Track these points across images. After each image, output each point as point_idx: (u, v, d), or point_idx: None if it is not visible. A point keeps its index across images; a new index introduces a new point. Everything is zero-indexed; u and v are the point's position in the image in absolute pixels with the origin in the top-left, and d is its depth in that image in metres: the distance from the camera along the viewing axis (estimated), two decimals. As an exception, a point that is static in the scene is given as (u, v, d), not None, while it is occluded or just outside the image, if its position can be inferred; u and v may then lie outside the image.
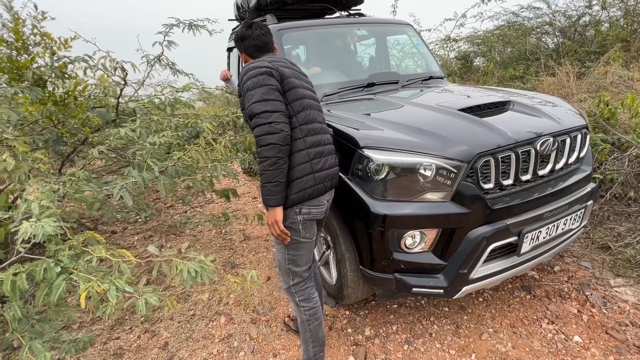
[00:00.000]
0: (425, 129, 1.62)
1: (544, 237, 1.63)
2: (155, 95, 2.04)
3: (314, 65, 2.94)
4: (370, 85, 2.54)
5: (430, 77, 2.84)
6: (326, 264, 2.08)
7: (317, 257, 1.99)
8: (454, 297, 1.58)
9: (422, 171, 1.48)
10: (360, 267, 1.69)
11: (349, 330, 1.93)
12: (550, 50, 7.55)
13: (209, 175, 1.61)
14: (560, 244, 1.78)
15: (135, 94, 2.04)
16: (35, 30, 1.36)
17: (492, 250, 1.52)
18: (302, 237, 1.41)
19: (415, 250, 1.57)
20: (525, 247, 1.57)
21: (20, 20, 1.30)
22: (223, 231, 3.16)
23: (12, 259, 1.10)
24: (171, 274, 1.17)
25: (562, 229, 1.69)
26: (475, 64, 8.83)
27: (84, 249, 1.24)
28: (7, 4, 1.31)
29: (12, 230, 1.05)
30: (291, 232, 1.39)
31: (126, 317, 2.12)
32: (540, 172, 1.64)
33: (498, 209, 1.50)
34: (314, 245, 1.61)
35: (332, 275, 2.00)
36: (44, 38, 1.37)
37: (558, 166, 1.70)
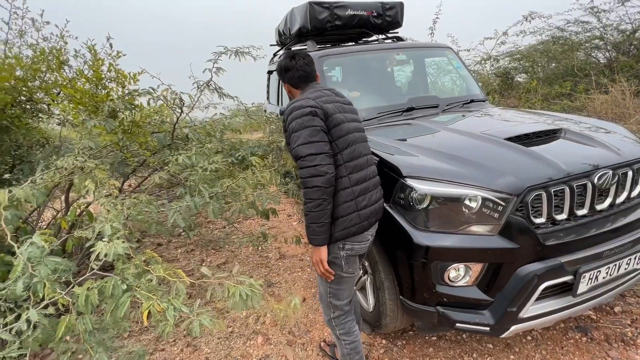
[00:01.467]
0: (471, 159, 1.59)
1: (603, 277, 1.50)
2: (206, 121, 2.19)
3: (352, 89, 3.02)
4: (410, 109, 2.54)
5: (472, 100, 2.79)
6: (362, 289, 2.06)
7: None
8: (501, 337, 1.50)
9: (467, 202, 1.45)
10: (400, 297, 1.67)
11: (386, 360, 1.88)
12: (601, 65, 7.08)
13: (254, 200, 1.69)
14: (623, 284, 1.63)
15: (187, 118, 2.21)
16: (112, 68, 1.55)
17: (544, 289, 1.43)
18: (344, 272, 1.43)
19: (460, 283, 1.52)
20: (582, 287, 1.46)
21: (100, 60, 1.50)
22: (260, 248, 3.25)
23: (87, 275, 1.22)
24: (223, 297, 1.23)
25: (625, 269, 1.56)
26: (516, 80, 8.49)
27: (145, 267, 1.34)
28: (91, 46, 1.52)
29: (89, 248, 1.17)
30: (334, 267, 1.42)
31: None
32: (599, 207, 1.54)
33: (551, 245, 1.42)
34: (356, 280, 1.62)
35: (369, 302, 1.98)
36: (119, 74, 1.56)
37: (619, 200, 1.58)
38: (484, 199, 1.43)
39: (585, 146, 1.70)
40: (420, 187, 1.52)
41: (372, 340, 2.03)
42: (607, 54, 7.38)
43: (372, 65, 2.87)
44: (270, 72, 4.66)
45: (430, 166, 1.60)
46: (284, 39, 4.07)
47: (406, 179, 1.57)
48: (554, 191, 1.44)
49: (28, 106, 1.88)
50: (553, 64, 8.05)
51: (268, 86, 4.76)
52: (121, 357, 1.38)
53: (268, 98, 4.69)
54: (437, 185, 1.50)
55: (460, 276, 1.51)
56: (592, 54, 7.68)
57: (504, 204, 1.42)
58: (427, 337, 2.02)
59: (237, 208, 1.63)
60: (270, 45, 4.61)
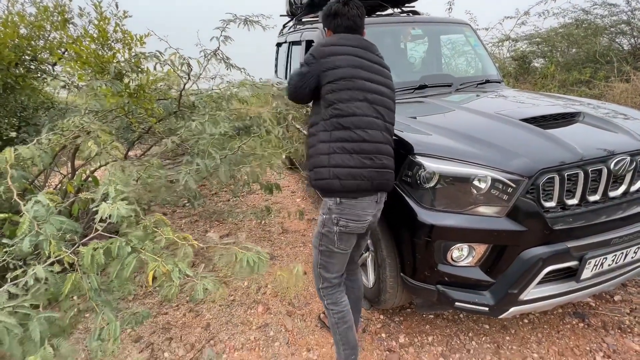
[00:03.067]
0: (482, 138, 1.54)
1: (609, 265, 1.49)
2: (212, 89, 2.14)
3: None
4: (422, 87, 2.46)
5: (487, 81, 2.69)
6: (363, 265, 2.08)
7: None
8: (499, 317, 1.51)
9: (476, 183, 1.42)
10: (401, 274, 1.67)
11: (383, 335, 1.92)
12: (624, 53, 6.77)
13: (265, 163, 1.68)
14: (627, 273, 1.62)
15: (195, 87, 2.16)
16: (117, 28, 1.50)
17: (547, 273, 1.42)
18: (335, 247, 1.42)
19: (462, 263, 1.51)
20: (586, 273, 1.45)
21: (106, 19, 1.45)
22: (263, 222, 3.27)
23: (91, 235, 1.23)
24: (229, 263, 1.24)
25: (632, 257, 1.54)
26: (533, 65, 8.17)
27: (155, 229, 1.35)
28: (97, 3, 1.46)
29: (93, 209, 1.17)
30: (326, 240, 1.41)
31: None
32: (612, 194, 1.50)
33: (559, 229, 1.39)
34: (359, 252, 1.62)
35: (369, 278, 2.00)
36: (125, 35, 1.51)
37: (633, 188, 1.54)
38: (494, 180, 1.40)
39: (604, 131, 1.64)
40: (430, 164, 1.48)
41: (370, 315, 2.06)
42: (633, 40, 7.03)
43: (386, 39, 2.76)
44: (279, 45, 4.52)
45: (441, 144, 1.55)
46: (295, 8, 3.91)
47: (416, 156, 1.53)
48: (567, 175, 1.40)
49: (32, 66, 1.85)
50: (573, 49, 7.71)
51: (276, 59, 4.63)
52: (126, 317, 1.42)
53: (276, 72, 4.58)
54: (447, 164, 1.47)
55: (463, 256, 1.51)
56: (616, 40, 7.32)
57: (514, 185, 1.38)
58: (424, 315, 2.06)
59: (247, 171, 1.62)
60: (280, 15, 4.45)
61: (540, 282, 1.45)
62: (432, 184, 1.49)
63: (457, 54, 3.27)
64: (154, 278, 1.18)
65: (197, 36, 2.80)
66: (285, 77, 3.98)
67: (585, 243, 1.41)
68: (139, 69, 1.55)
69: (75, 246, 1.16)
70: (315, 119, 1.39)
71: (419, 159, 1.51)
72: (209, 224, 3.26)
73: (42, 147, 1.43)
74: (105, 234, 1.21)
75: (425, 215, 1.49)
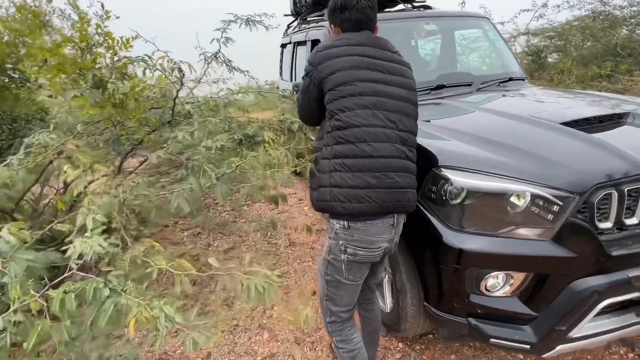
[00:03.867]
0: (519, 147, 1.33)
1: (675, 295, 1.25)
2: (210, 96, 1.97)
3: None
4: (439, 87, 2.24)
5: (510, 79, 2.45)
6: (379, 285, 1.87)
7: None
8: (544, 356, 1.29)
9: (513, 200, 1.20)
10: (425, 303, 1.46)
11: (403, 367, 1.72)
12: (647, 44, 6.40)
13: (264, 183, 1.49)
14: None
15: (191, 94, 1.98)
16: (99, 30, 1.34)
17: (603, 307, 1.20)
18: (344, 277, 1.22)
19: (497, 293, 1.29)
20: (650, 306, 1.22)
21: (85, 20, 1.28)
22: (269, 234, 3.09)
23: (65, 275, 1.06)
24: (233, 291, 1.06)
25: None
26: (549, 60, 7.84)
27: (145, 259, 1.17)
28: (74, 3, 1.30)
29: (66, 248, 1.00)
30: (332, 269, 1.22)
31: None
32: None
33: (618, 255, 1.17)
34: (376, 279, 1.42)
35: (386, 302, 1.79)
36: (107, 38, 1.35)
37: None
38: (534, 196, 1.18)
39: (661, 135, 1.40)
40: (458, 179, 1.27)
41: (388, 343, 1.85)
42: (655, 31, 6.66)
43: (397, 36, 2.54)
44: (283, 46, 4.34)
45: (470, 154, 1.34)
46: (299, 7, 3.73)
47: (441, 169, 1.32)
48: (627, 190, 1.17)
49: (16, 75, 1.71)
50: (589, 43, 7.35)
51: (281, 61, 4.45)
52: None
53: (281, 74, 4.40)
54: (478, 178, 1.25)
55: (499, 285, 1.29)
56: (637, 31, 6.96)
57: (561, 203, 1.16)
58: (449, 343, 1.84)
59: (247, 191, 1.44)
60: (285, 15, 4.27)
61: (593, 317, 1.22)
62: (459, 201, 1.27)
63: (476, 50, 3.03)
64: (139, 322, 1.00)
65: (197, 38, 2.64)
66: (291, 80, 3.80)
67: (650, 271, 1.18)
68: (125, 76, 1.38)
69: (45, 289, 0.99)
70: (321, 133, 1.21)
71: (445, 172, 1.30)
72: (212, 236, 3.09)
73: (17, 167, 1.27)
74: (80, 273, 1.03)
75: (453, 238, 1.27)
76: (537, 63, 7.89)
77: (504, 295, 1.29)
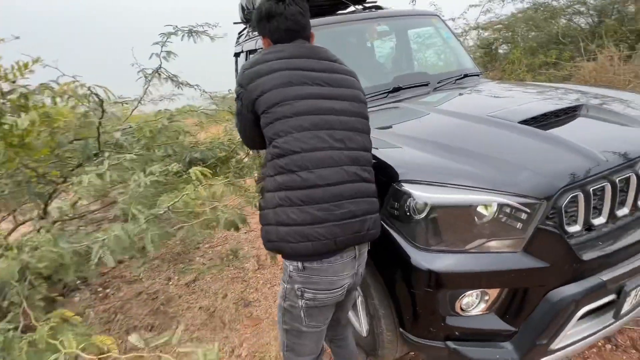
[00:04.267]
0: (480, 152, 1.24)
1: (649, 289, 1.21)
2: (144, 122, 1.74)
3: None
4: (396, 90, 2.16)
5: (465, 75, 2.42)
6: (354, 306, 1.73)
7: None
8: (528, 372, 1.20)
9: (480, 211, 1.11)
10: (400, 329, 1.34)
11: (386, 395, 1.58)
12: (585, 32, 6.84)
13: (214, 218, 1.30)
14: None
15: (119, 122, 1.75)
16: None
17: (582, 315, 1.13)
18: (304, 325, 1.07)
19: (473, 312, 1.20)
20: (626, 306, 1.17)
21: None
22: (236, 257, 2.87)
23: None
24: None
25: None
26: (500, 51, 8.21)
27: (51, 341, 0.94)
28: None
29: None
30: (290, 317, 1.07)
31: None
32: (641, 203, 1.23)
33: (590, 260, 1.10)
34: (345, 312, 1.27)
35: (362, 324, 1.66)
36: (-6, 66, 1.10)
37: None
38: (501, 206, 1.09)
39: (616, 125, 1.37)
40: (420, 194, 1.16)
41: (368, 368, 1.72)
42: (590, 19, 7.15)
43: (348, 39, 2.45)
44: (237, 55, 4.13)
45: (431, 164, 1.24)
46: (248, 14, 3.55)
47: (401, 183, 1.20)
48: (593, 190, 1.11)
49: None
50: (533, 33, 7.78)
51: (236, 70, 4.25)
52: None
53: (236, 84, 4.19)
54: (442, 191, 1.15)
55: (474, 303, 1.19)
56: (574, 20, 7.44)
57: (529, 210, 1.08)
58: (431, 360, 1.73)
59: (186, 231, 1.25)
60: (234, 23, 4.07)
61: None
62: (424, 218, 1.16)
63: (428, 48, 3.01)
64: None
65: (132, 54, 2.39)
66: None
67: (624, 271, 1.12)
68: (22, 108, 1.14)
69: None
70: (264, 161, 1.05)
71: (406, 186, 1.19)
72: (174, 267, 2.82)
73: None
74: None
75: (421, 259, 1.16)
76: (489, 55, 8.23)
77: (480, 313, 1.19)
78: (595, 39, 6.32)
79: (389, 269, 1.29)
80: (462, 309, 1.18)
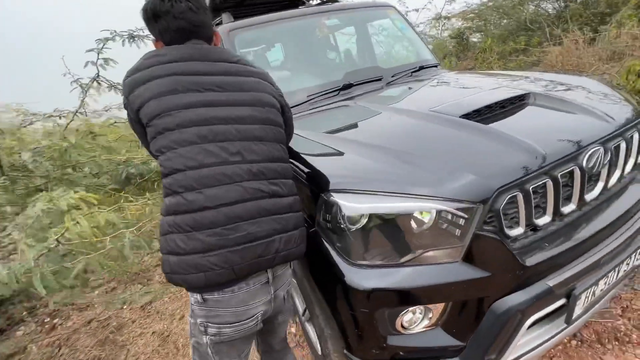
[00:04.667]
0: (415, 152, 1.13)
1: (601, 290, 1.14)
2: (55, 141, 1.57)
3: (280, 68, 2.46)
4: (347, 87, 2.04)
5: (421, 67, 2.33)
6: (310, 319, 1.61)
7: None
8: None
9: (414, 220, 1.00)
10: (345, 352, 1.23)
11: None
12: (552, 17, 6.91)
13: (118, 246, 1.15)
14: (618, 284, 1.29)
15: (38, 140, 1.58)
16: None
17: (530, 325, 1.04)
18: None
19: (418, 329, 1.09)
20: (577, 310, 1.08)
21: None
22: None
23: None
24: None
25: (626, 270, 1.20)
26: (472, 40, 8.26)
27: None
28: None
29: None
30: (199, 356, 0.95)
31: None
32: (589, 197, 1.15)
33: (535, 265, 1.01)
34: (277, 336, 1.16)
35: (314, 343, 1.54)
36: None
37: (611, 183, 1.20)
38: (436, 212, 0.99)
39: (562, 113, 1.29)
40: (349, 204, 1.04)
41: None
42: (556, 4, 7.23)
43: (297, 35, 2.31)
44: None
45: (362, 169, 1.12)
46: (220, 2, 3.37)
47: (330, 193, 1.09)
48: (532, 188, 1.01)
49: None
50: (504, 20, 7.86)
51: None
52: None
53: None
54: (373, 200, 1.03)
55: (418, 319, 1.09)
56: (542, 6, 7.52)
57: (466, 216, 0.98)
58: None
59: (84, 265, 1.10)
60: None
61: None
62: (356, 230, 1.05)
63: (384, 41, 2.90)
64: None
65: (64, 63, 2.20)
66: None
67: (571, 274, 1.04)
68: None
69: None
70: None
71: (335, 197, 1.07)
72: (131, 288, 2.64)
73: None
74: None
75: (354, 276, 1.05)
76: (462, 45, 8.24)
77: (424, 329, 1.09)
78: (561, 23, 6.39)
79: (327, 286, 1.18)
80: (403, 327, 1.07)
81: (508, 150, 1.06)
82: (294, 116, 1.73)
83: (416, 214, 1.00)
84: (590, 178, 1.14)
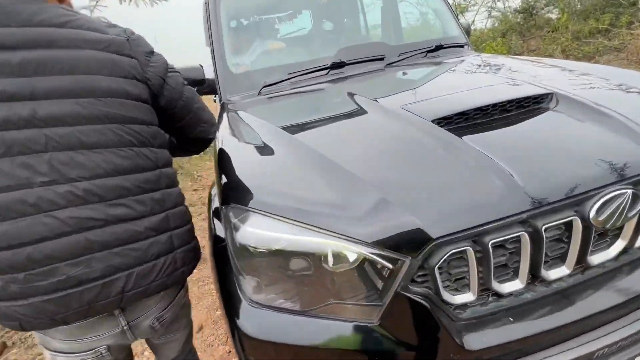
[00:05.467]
0: (353, 168, 0.84)
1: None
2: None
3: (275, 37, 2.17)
4: (338, 65, 1.71)
5: (440, 47, 1.89)
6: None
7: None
8: None
9: (326, 262, 0.74)
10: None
11: None
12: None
13: None
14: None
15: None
16: None
17: None
18: None
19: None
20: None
21: None
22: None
23: None
24: None
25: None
26: (546, 16, 7.05)
27: None
28: None
29: None
30: None
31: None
32: (597, 258, 0.78)
33: (480, 350, 0.70)
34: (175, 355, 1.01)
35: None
36: None
37: (638, 244, 0.81)
38: (354, 257, 0.72)
39: (587, 130, 0.89)
40: (246, 228, 0.81)
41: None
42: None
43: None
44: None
45: (280, 184, 0.87)
46: None
47: (229, 208, 0.86)
48: (495, 243, 0.68)
49: None
50: (591, -10, 6.53)
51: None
52: None
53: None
54: (274, 228, 0.78)
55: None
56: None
57: (390, 266, 0.70)
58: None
59: None
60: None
61: None
62: (254, 261, 0.82)
63: (411, 11, 2.43)
64: None
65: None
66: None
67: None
68: None
69: None
70: None
71: (231, 214, 0.84)
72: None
73: None
74: None
75: (246, 316, 0.83)
76: (529, 21, 7.10)
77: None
78: (665, -2, 5.13)
79: (231, 320, 0.98)
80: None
81: (473, 179, 0.73)
82: (272, 97, 1.44)
83: (329, 257, 0.74)
84: (604, 232, 0.77)
